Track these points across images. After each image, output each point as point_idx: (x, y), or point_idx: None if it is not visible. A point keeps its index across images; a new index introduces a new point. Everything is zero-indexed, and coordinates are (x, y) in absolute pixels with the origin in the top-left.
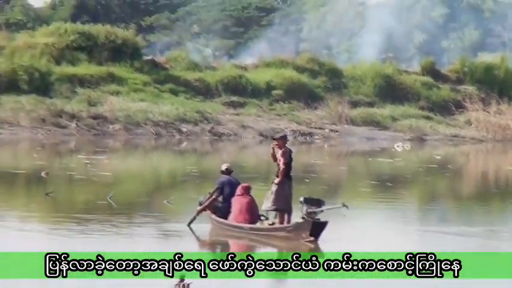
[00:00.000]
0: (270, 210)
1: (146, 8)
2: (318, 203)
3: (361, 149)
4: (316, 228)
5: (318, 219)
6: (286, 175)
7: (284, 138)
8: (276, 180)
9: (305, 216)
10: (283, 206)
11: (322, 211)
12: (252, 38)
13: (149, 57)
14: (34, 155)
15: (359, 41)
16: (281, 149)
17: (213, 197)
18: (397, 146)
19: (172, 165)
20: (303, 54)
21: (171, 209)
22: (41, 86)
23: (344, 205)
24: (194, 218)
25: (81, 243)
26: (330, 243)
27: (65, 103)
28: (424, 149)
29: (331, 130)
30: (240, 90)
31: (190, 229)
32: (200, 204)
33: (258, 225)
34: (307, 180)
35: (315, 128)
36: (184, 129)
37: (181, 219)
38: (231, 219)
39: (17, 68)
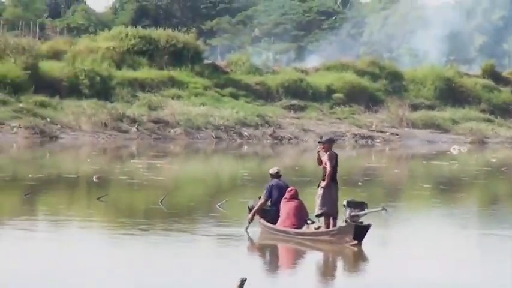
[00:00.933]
0: (318, 214)
1: (207, 12)
2: (361, 206)
3: (420, 152)
4: (359, 231)
5: (361, 222)
6: (332, 179)
7: (330, 142)
8: (323, 184)
9: (348, 220)
10: (329, 210)
11: (365, 214)
12: (312, 41)
13: (210, 61)
14: (88, 159)
15: (420, 44)
16: (327, 153)
17: (261, 201)
18: (453, 149)
19: (233, 169)
20: (363, 58)
21: (222, 213)
22: (102, 90)
23: (384, 208)
24: (249, 224)
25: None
26: (375, 247)
27: (126, 107)
28: (482, 152)
29: (392, 133)
30: (300, 94)
31: (247, 234)
32: (250, 209)
33: (303, 229)
34: (360, 184)
35: (376, 131)
36: (245, 133)
37: (231, 224)
38: (279, 223)
39: (78, 73)
